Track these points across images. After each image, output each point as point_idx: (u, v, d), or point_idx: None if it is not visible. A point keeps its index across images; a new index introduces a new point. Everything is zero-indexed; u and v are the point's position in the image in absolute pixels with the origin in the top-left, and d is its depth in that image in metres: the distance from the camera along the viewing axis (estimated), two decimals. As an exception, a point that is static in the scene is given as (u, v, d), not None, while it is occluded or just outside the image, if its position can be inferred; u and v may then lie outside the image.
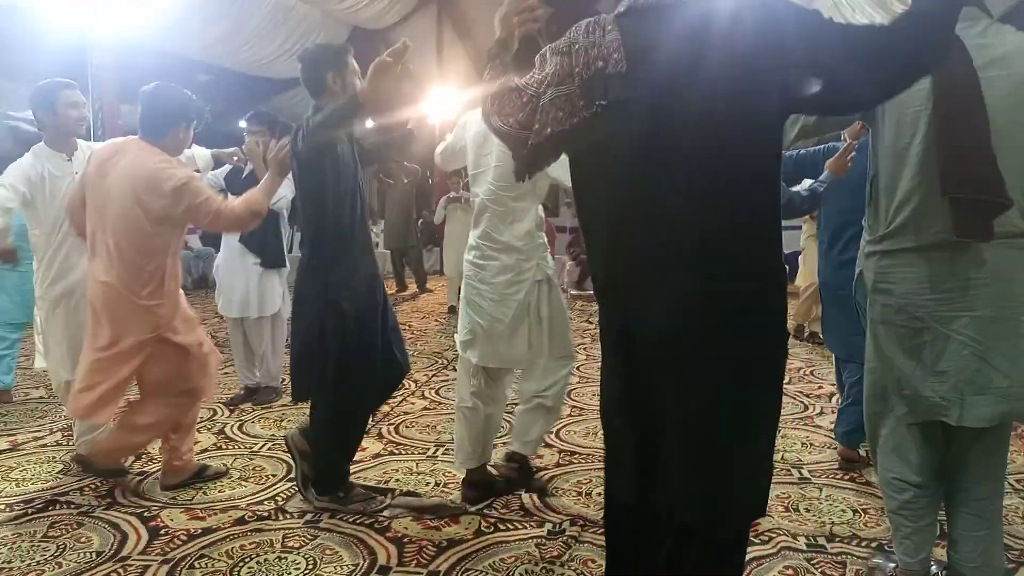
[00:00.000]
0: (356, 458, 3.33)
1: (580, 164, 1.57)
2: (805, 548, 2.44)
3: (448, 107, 11.16)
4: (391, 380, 2.86)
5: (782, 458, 3.30)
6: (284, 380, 4.32)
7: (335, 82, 2.59)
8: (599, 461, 3.25)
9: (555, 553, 2.41)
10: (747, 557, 2.35)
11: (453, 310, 8.50)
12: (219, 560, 2.37)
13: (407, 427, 3.80)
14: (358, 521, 2.66)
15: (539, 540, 2.50)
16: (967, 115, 1.76)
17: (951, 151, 1.77)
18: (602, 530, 2.55)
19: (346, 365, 2.60)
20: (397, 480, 3.07)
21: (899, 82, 1.43)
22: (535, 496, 2.87)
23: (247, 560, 2.37)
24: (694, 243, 1.41)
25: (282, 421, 3.93)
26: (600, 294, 1.61)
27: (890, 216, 1.91)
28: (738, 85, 1.36)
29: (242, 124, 15.81)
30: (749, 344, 1.42)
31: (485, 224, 2.75)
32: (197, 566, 2.33)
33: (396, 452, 3.44)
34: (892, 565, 2.17)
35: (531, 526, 2.62)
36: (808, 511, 2.74)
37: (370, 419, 3.87)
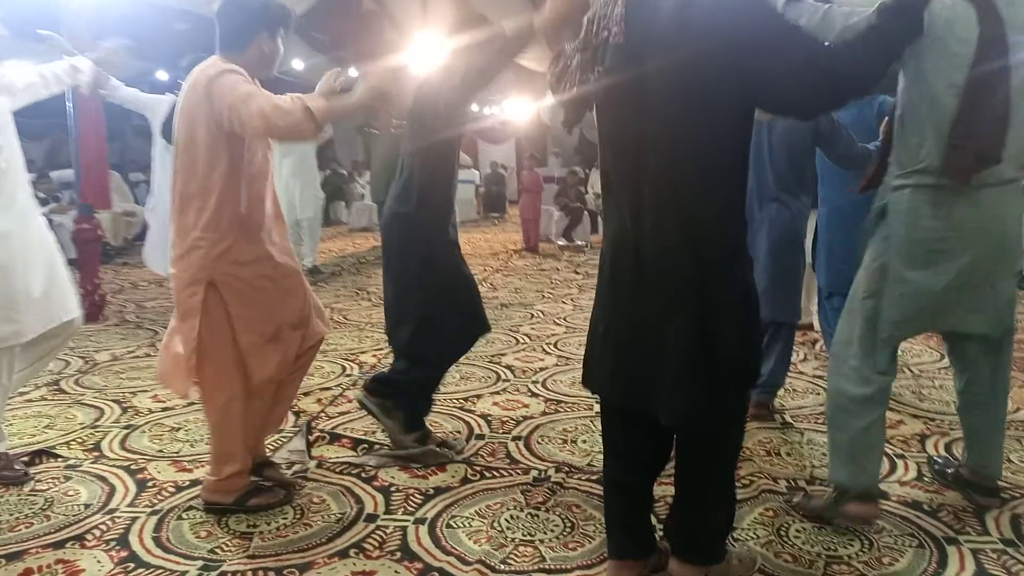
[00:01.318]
0: (341, 410, 3.35)
1: (597, 118, 1.77)
2: (785, 491, 2.49)
3: (433, 54, 10.91)
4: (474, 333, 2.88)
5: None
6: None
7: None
8: (584, 409, 3.28)
9: (540, 499, 2.44)
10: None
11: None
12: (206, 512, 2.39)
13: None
14: (345, 471, 2.68)
15: (524, 487, 2.53)
16: (996, 81, 1.91)
17: (974, 108, 1.92)
18: (587, 476, 2.60)
19: (438, 314, 2.67)
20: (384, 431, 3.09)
21: (831, 104, 1.70)
22: (521, 444, 2.90)
23: (234, 511, 2.39)
24: (672, 197, 1.63)
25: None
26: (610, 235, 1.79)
27: (919, 154, 2.02)
28: (697, 75, 1.55)
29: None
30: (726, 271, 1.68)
31: None
32: (185, 517, 2.35)
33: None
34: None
35: (517, 473, 2.65)
36: (789, 455, 2.79)
37: (358, 370, 3.90)
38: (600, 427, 1.97)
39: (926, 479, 2.55)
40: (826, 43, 1.69)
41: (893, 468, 2.65)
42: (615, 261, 1.75)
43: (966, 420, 2.38)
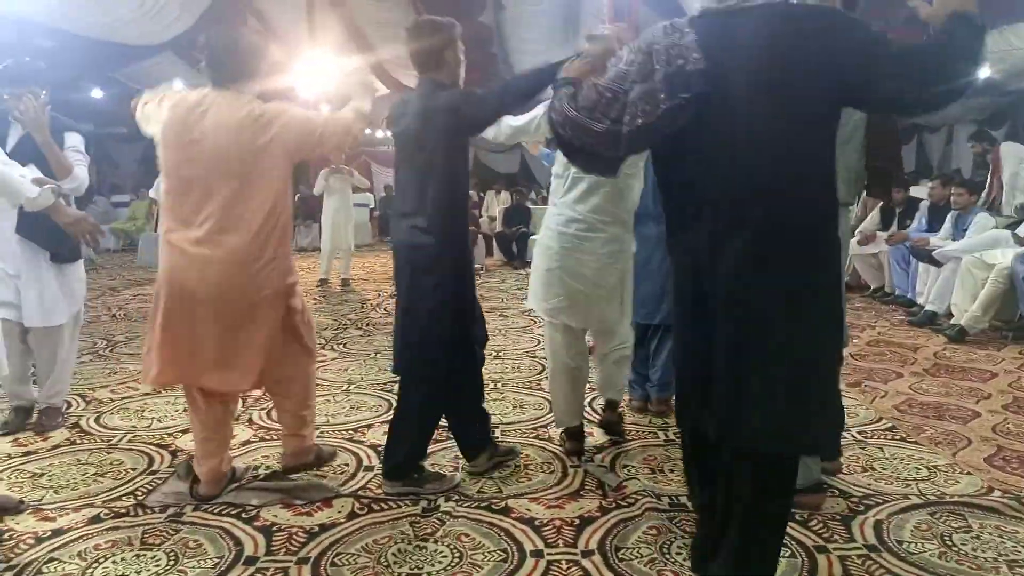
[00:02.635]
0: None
1: (666, 147, 1.79)
2: (668, 508, 2.56)
3: (320, 76, 10.78)
4: (479, 366, 2.85)
5: (649, 421, 3.44)
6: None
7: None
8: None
9: (429, 530, 2.41)
10: (613, 520, 2.45)
11: (324, 283, 8.32)
12: (70, 563, 2.22)
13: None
14: (224, 512, 2.56)
15: (413, 518, 2.49)
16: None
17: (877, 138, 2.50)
18: (476, 503, 2.59)
19: (456, 348, 2.65)
20: (268, 468, 2.97)
21: (946, 97, 1.65)
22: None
23: (101, 561, 2.24)
24: (759, 210, 1.67)
25: (143, 412, 3.72)
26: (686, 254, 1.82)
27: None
28: (796, 88, 1.62)
29: (96, 94, 14.60)
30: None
31: (600, 198, 2.88)
32: (45, 571, 2.18)
33: (267, 438, 3.33)
34: None
35: (406, 505, 2.61)
36: (672, 472, 2.87)
37: (243, 404, 3.75)
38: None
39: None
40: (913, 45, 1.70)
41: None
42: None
43: None
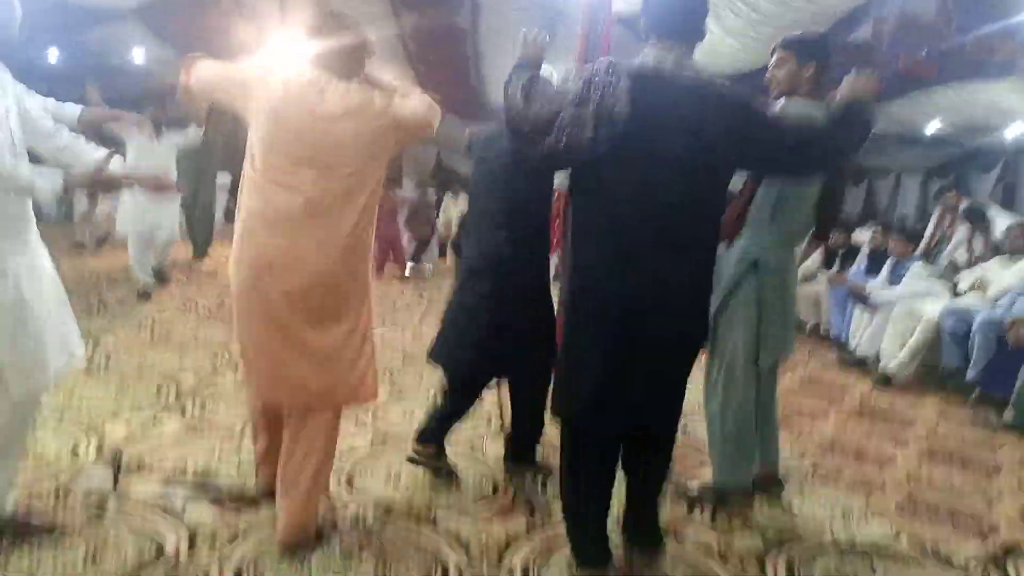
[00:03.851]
0: (151, 437, 3.16)
1: (586, 170, 2.10)
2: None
3: (292, 55, 10.58)
4: None
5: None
6: None
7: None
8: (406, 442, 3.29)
9: (355, 541, 2.42)
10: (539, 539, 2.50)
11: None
12: (-18, 549, 2.17)
13: (214, 401, 3.64)
14: (150, 508, 2.52)
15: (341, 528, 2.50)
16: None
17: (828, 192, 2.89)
18: (406, 516, 2.61)
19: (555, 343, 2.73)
20: (197, 462, 2.94)
21: (820, 169, 2.48)
22: (342, 479, 2.87)
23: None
24: (666, 245, 2.07)
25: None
26: (598, 271, 2.12)
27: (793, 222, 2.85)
28: (701, 153, 2.00)
29: (53, 60, 14.16)
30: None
31: None
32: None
33: (198, 430, 3.29)
34: None
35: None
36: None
37: (175, 393, 3.70)
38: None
39: (718, 522, 2.78)
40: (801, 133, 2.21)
41: (691, 510, 2.86)
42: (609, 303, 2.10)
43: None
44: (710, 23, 7.84)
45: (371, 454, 3.16)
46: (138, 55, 10.85)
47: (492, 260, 2.83)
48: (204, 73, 2.39)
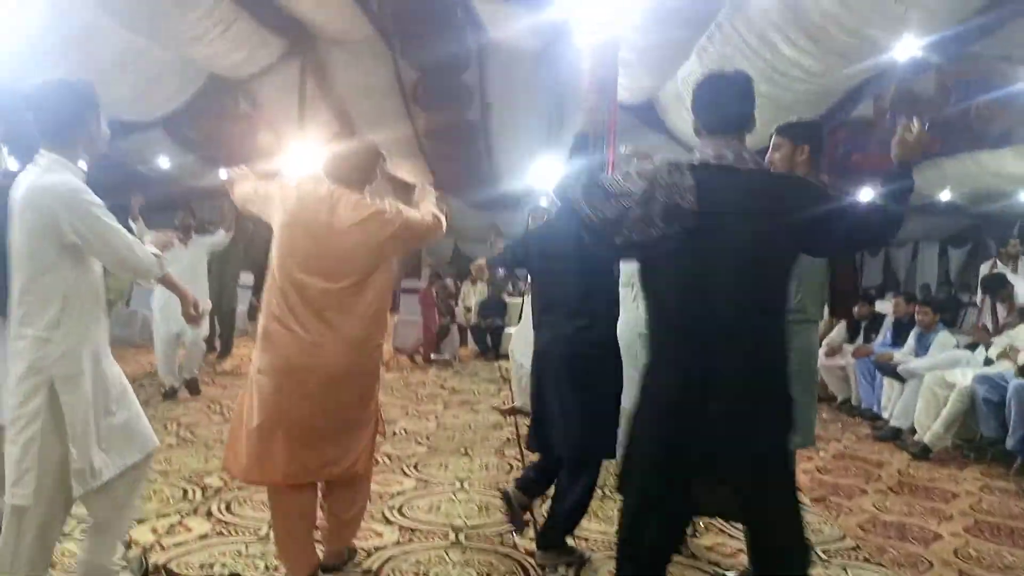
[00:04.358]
0: (178, 540, 3.13)
1: (652, 263, 2.16)
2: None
3: (308, 161, 11.01)
4: None
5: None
6: None
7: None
8: (440, 539, 3.22)
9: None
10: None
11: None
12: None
13: (240, 504, 3.60)
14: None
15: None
16: None
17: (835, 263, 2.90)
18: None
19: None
20: (224, 564, 2.89)
21: (882, 240, 2.57)
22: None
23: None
24: (731, 334, 2.02)
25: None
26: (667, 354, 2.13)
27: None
28: (769, 240, 2.02)
29: (81, 165, 14.74)
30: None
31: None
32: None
33: (225, 533, 3.24)
34: None
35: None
36: None
37: (203, 494, 3.67)
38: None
39: None
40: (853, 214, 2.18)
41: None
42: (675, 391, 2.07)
43: None
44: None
45: (400, 550, 3.09)
46: (163, 162, 11.25)
47: (571, 346, 2.93)
48: (241, 188, 2.83)
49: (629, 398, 2.99)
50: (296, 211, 2.60)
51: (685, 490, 2.07)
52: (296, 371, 2.51)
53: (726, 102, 2.15)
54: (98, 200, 2.21)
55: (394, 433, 5.35)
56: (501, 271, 5.56)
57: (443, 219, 2.83)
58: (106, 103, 8.12)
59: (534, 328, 3.22)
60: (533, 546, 3.09)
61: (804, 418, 2.77)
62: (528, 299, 5.69)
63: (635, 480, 2.14)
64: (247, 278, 9.96)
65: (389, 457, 4.61)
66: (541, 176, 9.13)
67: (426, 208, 2.84)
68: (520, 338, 5.82)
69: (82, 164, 2.35)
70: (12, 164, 3.24)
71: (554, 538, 3.03)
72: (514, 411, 5.96)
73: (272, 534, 2.77)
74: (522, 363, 5.70)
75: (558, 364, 2.96)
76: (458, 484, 4.00)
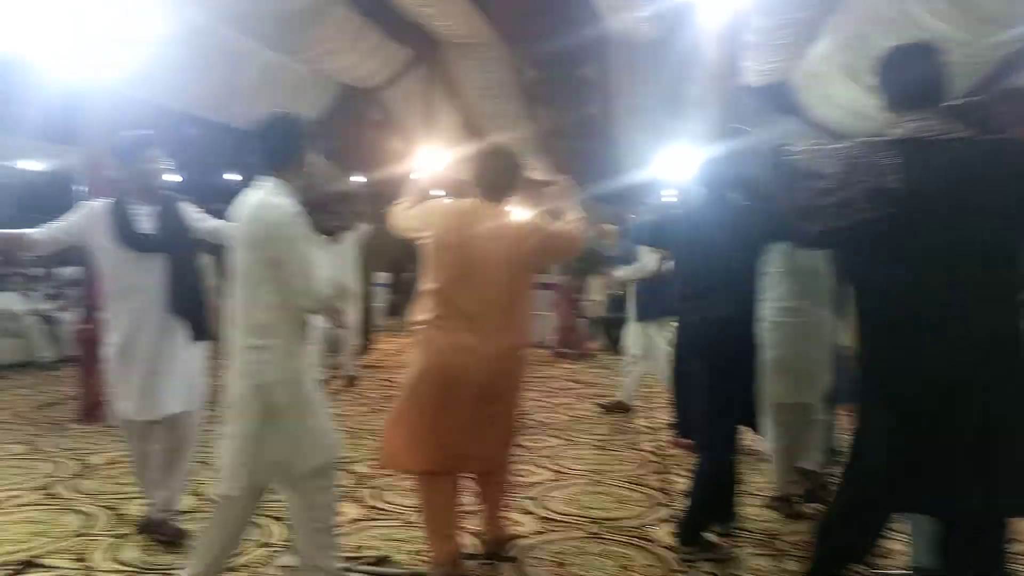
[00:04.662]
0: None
1: (858, 250, 2.02)
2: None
3: (436, 165, 11.34)
4: None
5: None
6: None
7: None
8: (577, 529, 3.28)
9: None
10: None
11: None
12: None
13: (387, 491, 3.80)
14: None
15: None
16: None
17: None
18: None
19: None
20: (375, 548, 3.07)
21: None
22: (511, 566, 2.89)
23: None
24: (964, 325, 1.89)
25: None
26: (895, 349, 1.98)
27: None
28: (991, 213, 1.86)
29: (233, 177, 15.96)
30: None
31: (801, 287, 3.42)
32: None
33: (375, 518, 3.44)
34: None
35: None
36: None
37: (354, 481, 3.89)
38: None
39: None
40: None
41: None
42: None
43: None
44: (850, 85, 7.64)
45: (539, 540, 3.17)
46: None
47: (720, 330, 2.97)
48: (395, 213, 3.00)
49: None
50: (444, 227, 2.76)
51: (922, 489, 1.95)
52: (449, 372, 2.68)
53: (924, 73, 2.02)
54: (305, 230, 2.36)
55: (529, 426, 5.46)
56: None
57: (582, 229, 2.91)
58: (250, 118, 8.74)
59: (679, 314, 3.26)
60: (672, 540, 3.09)
61: None
62: (633, 293, 5.71)
63: (863, 476, 2.05)
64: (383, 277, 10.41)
65: (524, 448, 4.71)
66: (664, 166, 9.00)
67: (569, 218, 2.92)
68: (634, 331, 5.80)
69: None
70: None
71: (691, 532, 3.01)
72: (619, 407, 5.92)
73: (421, 520, 2.90)
74: (635, 354, 5.74)
75: (707, 350, 2.99)
76: (594, 477, 4.04)
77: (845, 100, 8.09)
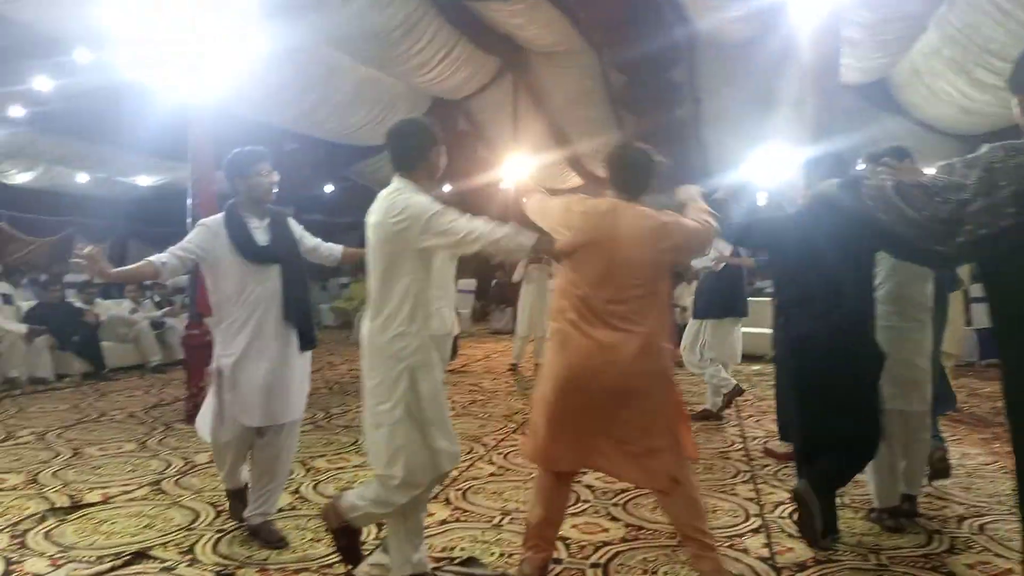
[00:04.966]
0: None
1: (1005, 258, 1.88)
2: None
3: (522, 172, 11.36)
4: None
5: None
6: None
7: None
8: (666, 538, 3.21)
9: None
10: None
11: (515, 367, 8.58)
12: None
13: (474, 493, 3.84)
14: (423, 590, 2.70)
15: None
16: None
17: None
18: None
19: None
20: (462, 549, 3.10)
21: None
22: (599, 572, 2.86)
23: (316, 624, 2.43)
24: None
25: (354, 482, 4.02)
26: None
27: None
28: None
29: (328, 188, 16.56)
30: None
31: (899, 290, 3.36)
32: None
33: (462, 519, 3.47)
34: None
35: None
36: None
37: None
38: None
39: None
40: None
41: None
42: None
43: None
44: (957, 80, 7.23)
45: (627, 547, 3.12)
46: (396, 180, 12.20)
47: (828, 336, 2.95)
48: (533, 202, 2.97)
49: None
50: (581, 227, 2.71)
51: None
52: (588, 370, 2.60)
53: None
54: (439, 207, 2.53)
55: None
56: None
57: (713, 227, 2.83)
58: (346, 132, 9.05)
59: (780, 319, 3.20)
60: (765, 551, 2.98)
61: None
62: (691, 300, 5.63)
63: None
64: (469, 283, 10.53)
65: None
66: (756, 167, 8.76)
67: (696, 214, 2.85)
68: (715, 338, 5.74)
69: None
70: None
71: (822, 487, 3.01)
72: (706, 415, 5.77)
73: (525, 516, 2.88)
74: (711, 360, 5.71)
75: (818, 358, 2.97)
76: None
77: (952, 96, 7.68)
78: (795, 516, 2.98)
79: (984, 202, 1.81)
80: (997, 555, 2.97)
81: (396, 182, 2.62)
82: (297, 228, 3.37)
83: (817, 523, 2.92)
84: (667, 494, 2.62)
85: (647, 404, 2.62)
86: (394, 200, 2.54)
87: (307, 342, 3.22)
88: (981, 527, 3.38)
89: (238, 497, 3.36)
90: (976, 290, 8.04)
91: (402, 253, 2.52)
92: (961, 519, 3.49)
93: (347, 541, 2.74)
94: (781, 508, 3.63)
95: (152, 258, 3.03)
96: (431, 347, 2.60)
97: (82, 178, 12.62)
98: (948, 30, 6.55)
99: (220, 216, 3.19)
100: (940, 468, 3.74)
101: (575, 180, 13.78)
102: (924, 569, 2.94)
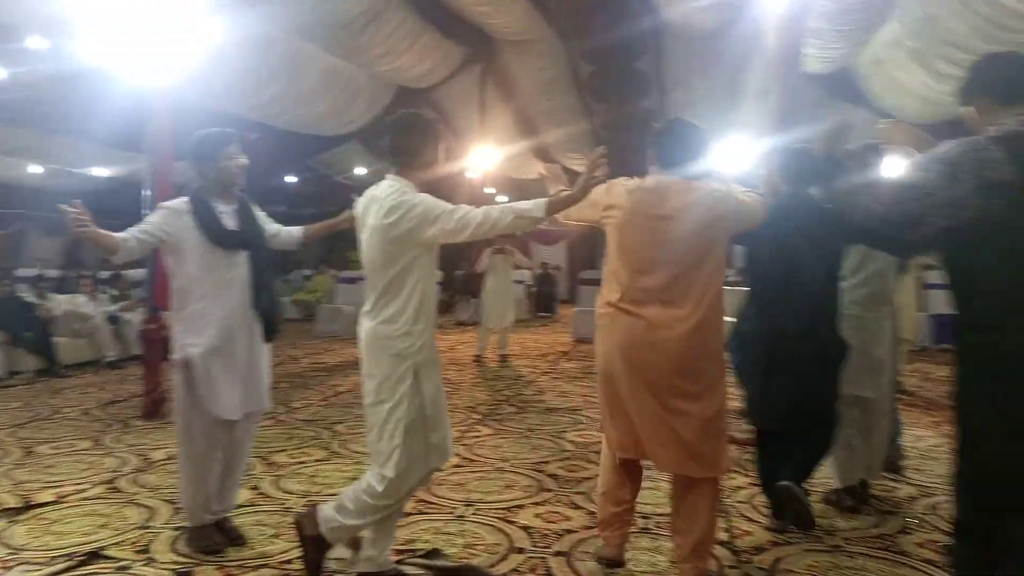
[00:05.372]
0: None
1: (969, 249, 1.93)
2: None
3: (488, 163, 11.36)
4: None
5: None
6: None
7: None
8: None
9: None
10: None
11: (479, 358, 8.55)
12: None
13: (437, 485, 3.79)
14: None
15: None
16: None
17: None
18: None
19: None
20: (425, 541, 3.07)
21: None
22: (563, 560, 2.84)
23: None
24: None
25: (315, 477, 3.96)
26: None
27: None
28: None
29: (290, 179, 16.31)
30: None
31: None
32: (224, 626, 2.35)
33: (425, 511, 3.44)
34: None
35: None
36: None
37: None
38: None
39: None
40: None
41: None
42: None
43: None
44: (919, 71, 7.32)
45: (590, 534, 3.11)
46: (360, 171, 12.06)
47: (803, 328, 2.97)
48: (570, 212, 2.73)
49: None
50: (629, 207, 2.62)
51: None
52: (638, 349, 2.53)
53: (1020, 71, 1.99)
54: (447, 206, 2.47)
55: (578, 421, 5.40)
56: None
57: (764, 205, 2.76)
58: (309, 121, 8.91)
59: (751, 309, 3.16)
60: (724, 535, 3.00)
61: None
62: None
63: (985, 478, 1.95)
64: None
65: (575, 444, 4.67)
66: (722, 157, 8.82)
67: (749, 197, 2.74)
68: None
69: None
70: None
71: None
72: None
73: (597, 499, 2.90)
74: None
75: (792, 349, 2.97)
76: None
77: (913, 86, 7.78)
78: (791, 515, 2.91)
79: (946, 195, 1.86)
80: (946, 533, 3.01)
81: (394, 181, 2.55)
82: (260, 214, 3.24)
83: (810, 511, 2.86)
84: (698, 488, 2.57)
85: (700, 387, 2.54)
86: (398, 201, 2.46)
87: (270, 333, 3.12)
88: (933, 507, 3.49)
89: (219, 529, 3.08)
90: (932, 276, 8.21)
91: (410, 253, 2.49)
92: (912, 499, 3.61)
93: (315, 554, 2.64)
94: (740, 492, 3.67)
95: (118, 234, 2.86)
96: (434, 345, 2.60)
97: (35, 169, 12.27)
98: (909, 21, 6.63)
99: (183, 199, 3.01)
100: (894, 467, 3.96)
101: (541, 170, 13.77)
102: (878, 548, 3.01)
